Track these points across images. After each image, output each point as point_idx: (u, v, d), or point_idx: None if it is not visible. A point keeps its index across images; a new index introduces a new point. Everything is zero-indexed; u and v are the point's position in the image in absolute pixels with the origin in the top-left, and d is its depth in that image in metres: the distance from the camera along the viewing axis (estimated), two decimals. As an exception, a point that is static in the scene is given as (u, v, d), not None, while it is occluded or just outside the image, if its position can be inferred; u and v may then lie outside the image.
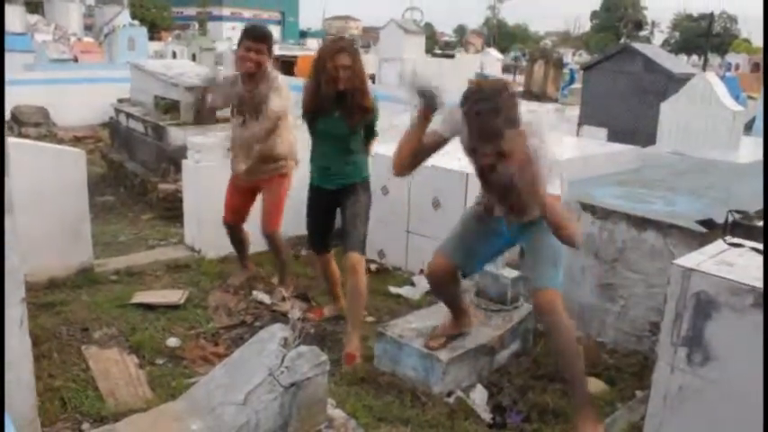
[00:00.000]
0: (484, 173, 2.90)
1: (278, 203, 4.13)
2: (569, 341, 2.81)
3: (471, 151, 2.75)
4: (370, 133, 3.74)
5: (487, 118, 2.55)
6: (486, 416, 3.09)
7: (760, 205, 3.92)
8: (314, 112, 3.58)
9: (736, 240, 2.47)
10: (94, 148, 9.82)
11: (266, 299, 4.26)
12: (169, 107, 7.35)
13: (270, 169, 4.10)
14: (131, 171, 7.54)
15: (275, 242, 4.24)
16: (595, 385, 3.37)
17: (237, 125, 4.10)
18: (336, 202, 3.73)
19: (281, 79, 4.00)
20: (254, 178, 4.11)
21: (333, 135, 3.60)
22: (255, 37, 3.93)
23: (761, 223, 2.54)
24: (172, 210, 6.18)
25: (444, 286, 3.25)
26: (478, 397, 3.20)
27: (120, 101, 8.88)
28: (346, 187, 3.68)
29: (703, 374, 2.34)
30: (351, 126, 3.56)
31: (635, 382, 3.37)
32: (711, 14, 18.94)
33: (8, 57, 2.63)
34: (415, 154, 2.97)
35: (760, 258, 2.38)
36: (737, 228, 2.47)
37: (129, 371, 3.29)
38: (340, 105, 3.51)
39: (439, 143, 2.95)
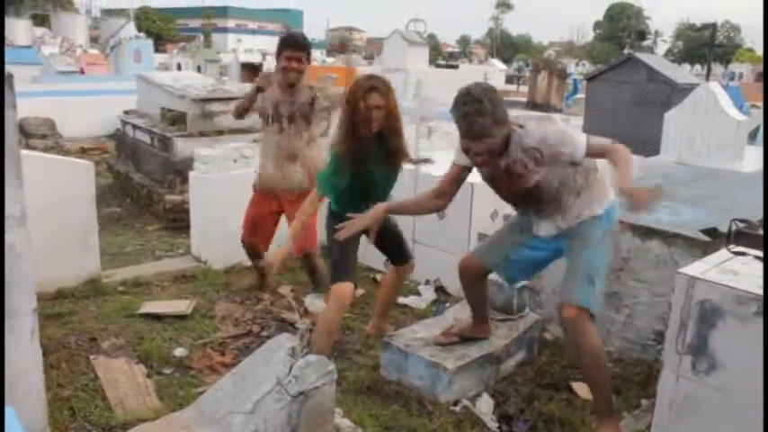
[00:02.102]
0: (492, 179, 2.99)
1: (312, 224, 3.95)
2: (592, 358, 2.81)
3: (465, 152, 2.81)
4: None
5: (474, 117, 2.65)
6: (493, 425, 3.10)
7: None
8: (359, 158, 3.27)
9: (739, 249, 2.48)
10: (101, 159, 9.86)
11: (274, 309, 4.28)
12: (176, 119, 7.41)
13: (303, 174, 4.01)
14: (138, 182, 7.59)
15: (312, 262, 4.15)
16: (601, 394, 3.38)
17: (273, 133, 4.05)
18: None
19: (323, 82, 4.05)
20: (287, 186, 4.04)
21: (381, 183, 3.43)
22: (297, 46, 3.94)
23: (765, 232, 2.56)
24: (178, 221, 6.23)
25: (471, 284, 3.33)
26: (485, 406, 3.21)
27: (127, 112, 8.96)
28: None
29: (708, 383, 2.35)
30: (395, 170, 3.45)
31: (640, 391, 3.38)
32: (714, 24, 18.98)
33: (15, 69, 2.67)
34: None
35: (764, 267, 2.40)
36: (741, 236, 2.49)
37: (137, 380, 3.31)
38: (380, 148, 3.31)
39: (461, 172, 3.03)
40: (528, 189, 2.88)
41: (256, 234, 4.27)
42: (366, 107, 3.16)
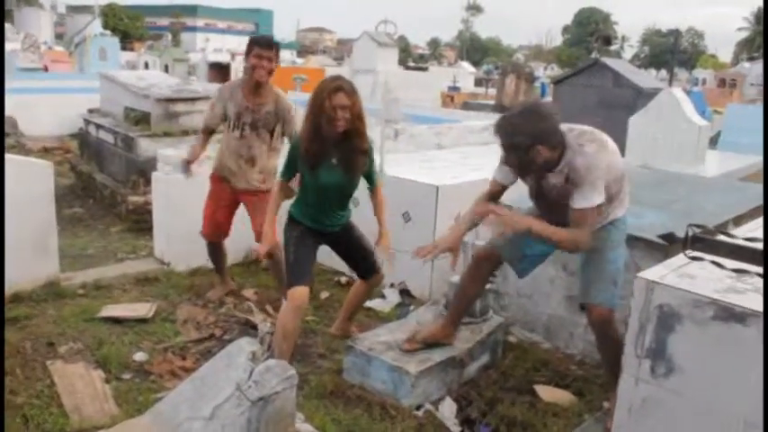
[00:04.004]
0: (537, 195, 3.12)
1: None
2: (615, 349, 2.88)
3: (505, 162, 3.01)
4: (371, 180, 3.57)
5: (506, 131, 2.84)
6: (456, 429, 3.10)
7: (725, 217, 4.02)
8: (315, 159, 3.29)
9: (696, 254, 2.52)
10: (63, 159, 9.70)
11: (237, 312, 4.23)
12: (140, 118, 7.29)
13: (260, 179, 4.08)
14: (101, 183, 7.45)
15: (274, 258, 4.11)
16: (563, 396, 3.40)
17: (235, 138, 4.07)
18: (326, 238, 3.58)
19: (287, 98, 4.07)
20: (243, 186, 4.10)
21: (334, 187, 3.38)
22: (267, 45, 3.97)
23: (720, 237, 2.60)
24: (141, 222, 6.13)
25: (480, 277, 3.40)
26: (447, 410, 3.21)
27: (91, 111, 8.79)
28: (341, 227, 3.58)
29: (666, 386, 2.38)
30: (352, 174, 3.39)
31: (602, 394, 3.40)
32: (677, 30, 19.34)
33: (-26, 66, 2.58)
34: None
35: (720, 272, 2.43)
36: (697, 242, 2.52)
37: (94, 386, 3.24)
38: (338, 150, 3.30)
39: (498, 190, 3.25)
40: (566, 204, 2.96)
41: (218, 228, 4.30)
42: (332, 107, 3.16)
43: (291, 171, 3.45)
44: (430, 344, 3.42)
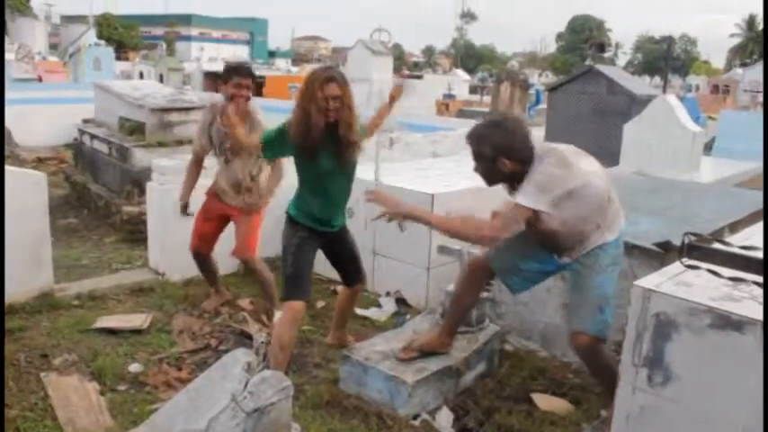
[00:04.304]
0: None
1: (254, 230, 4.15)
2: (609, 374, 2.86)
3: (474, 170, 3.02)
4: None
5: (474, 141, 2.93)
6: (453, 438, 3.09)
7: (720, 224, 4.02)
8: (311, 150, 3.24)
9: (692, 262, 2.51)
10: (58, 169, 9.68)
11: (233, 323, 4.21)
12: (134, 128, 7.28)
13: (250, 201, 4.13)
14: (95, 193, 7.43)
15: (253, 266, 4.20)
16: (561, 405, 3.39)
17: (221, 163, 4.16)
18: (322, 241, 3.53)
19: (261, 114, 4.09)
20: (233, 203, 4.17)
21: (335, 176, 3.34)
22: (246, 73, 4.02)
23: (716, 245, 2.60)
24: (136, 232, 6.12)
25: (473, 287, 3.39)
26: (444, 419, 3.20)
27: (85, 121, 8.78)
28: (339, 228, 3.58)
29: (664, 394, 2.37)
30: (344, 163, 3.34)
31: (600, 402, 3.39)
32: (670, 37, 19.43)
33: (-32, 77, 2.57)
34: None
35: (717, 280, 2.43)
36: (693, 250, 2.51)
37: (89, 398, 3.22)
38: (330, 140, 3.24)
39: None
40: (547, 232, 2.93)
41: (204, 241, 4.33)
42: (324, 97, 3.12)
43: (269, 147, 3.42)
44: (426, 353, 3.41)
